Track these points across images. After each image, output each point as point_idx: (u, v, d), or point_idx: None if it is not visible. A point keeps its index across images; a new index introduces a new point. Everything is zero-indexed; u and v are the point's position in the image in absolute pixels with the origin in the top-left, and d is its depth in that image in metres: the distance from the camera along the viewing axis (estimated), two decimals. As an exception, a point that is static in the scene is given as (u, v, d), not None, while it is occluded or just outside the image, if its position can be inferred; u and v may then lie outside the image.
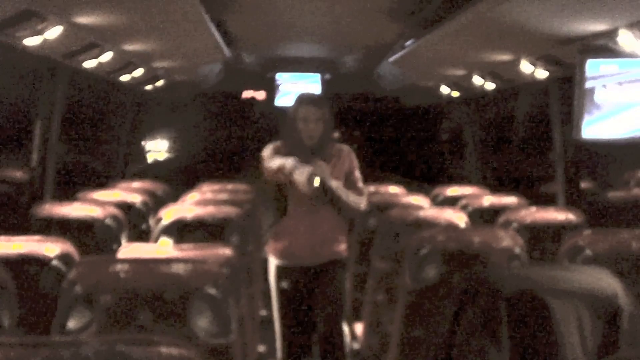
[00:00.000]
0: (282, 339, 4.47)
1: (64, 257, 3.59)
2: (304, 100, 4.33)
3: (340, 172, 4.34)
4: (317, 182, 4.08)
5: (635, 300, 2.61)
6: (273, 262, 4.44)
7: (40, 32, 4.29)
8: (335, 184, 4.24)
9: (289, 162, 4.13)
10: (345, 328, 4.52)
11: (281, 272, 4.40)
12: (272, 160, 4.23)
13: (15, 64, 5.49)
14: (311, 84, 10.44)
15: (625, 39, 3.91)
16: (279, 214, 4.39)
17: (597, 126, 4.23)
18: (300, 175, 4.07)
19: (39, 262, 3.55)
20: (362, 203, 4.39)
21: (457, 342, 2.54)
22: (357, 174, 4.44)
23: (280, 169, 4.15)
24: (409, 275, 3.76)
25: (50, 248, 3.59)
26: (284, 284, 4.39)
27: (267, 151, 4.33)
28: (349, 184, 4.37)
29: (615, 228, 3.91)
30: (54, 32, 4.39)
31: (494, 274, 2.65)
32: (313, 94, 4.55)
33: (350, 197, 4.31)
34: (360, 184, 4.43)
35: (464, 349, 2.51)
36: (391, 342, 3.92)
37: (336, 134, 11.99)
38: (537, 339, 2.44)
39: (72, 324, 2.84)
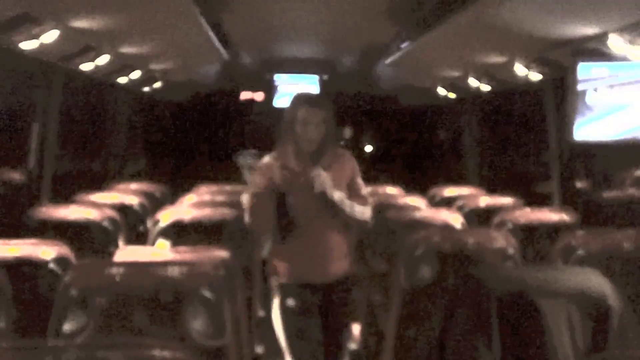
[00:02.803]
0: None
1: (60, 260, 3.60)
2: (303, 100, 3.80)
3: (342, 180, 3.83)
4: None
5: (625, 300, 2.63)
6: (276, 282, 3.85)
7: (36, 36, 4.31)
8: (339, 195, 3.76)
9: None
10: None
11: (287, 290, 3.81)
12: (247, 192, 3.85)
13: (12, 67, 5.51)
14: (309, 85, 10.47)
15: (615, 42, 3.94)
16: (280, 231, 3.84)
17: (589, 127, 4.27)
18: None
19: (36, 265, 3.56)
20: (367, 212, 3.88)
21: (450, 342, 2.56)
22: (360, 181, 3.93)
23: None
24: (404, 276, 3.78)
25: (46, 251, 3.60)
26: (291, 302, 3.81)
27: (257, 174, 3.87)
28: (352, 192, 3.85)
29: (608, 228, 3.93)
30: (50, 35, 4.41)
31: (486, 274, 2.67)
32: (312, 94, 4.10)
33: (356, 208, 3.81)
34: (364, 191, 3.93)
35: (456, 349, 2.54)
36: (386, 341, 3.94)
37: (349, 133, 11.95)
38: (528, 338, 2.46)
39: (67, 326, 2.85)
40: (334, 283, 3.81)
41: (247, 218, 3.81)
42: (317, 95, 4.05)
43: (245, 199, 3.86)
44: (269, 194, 3.74)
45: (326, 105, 3.80)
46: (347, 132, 12.05)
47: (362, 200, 3.85)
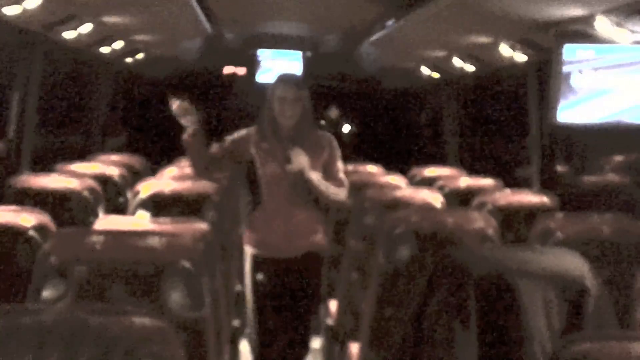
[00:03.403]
0: (255, 334, 4.18)
1: (40, 228, 3.59)
2: (281, 79, 4.03)
3: (319, 162, 4.02)
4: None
5: (602, 282, 2.65)
6: (249, 251, 4.14)
7: (19, 1, 4.25)
8: (315, 176, 3.95)
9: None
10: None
11: (257, 262, 4.10)
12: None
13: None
14: (292, 61, 10.42)
15: (602, 25, 3.95)
16: (253, 199, 4.24)
17: (573, 111, 4.28)
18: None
19: (15, 233, 3.54)
20: (342, 195, 4.07)
21: (426, 322, 2.58)
22: (339, 164, 4.11)
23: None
24: (383, 255, 3.78)
25: (26, 218, 3.58)
26: (260, 276, 4.09)
27: (232, 136, 4.12)
28: (329, 174, 4.05)
29: (587, 213, 3.96)
30: (33, 1, 4.36)
31: (464, 255, 2.68)
32: (292, 74, 4.26)
33: (331, 190, 4.01)
34: (341, 175, 4.10)
35: (433, 329, 2.55)
36: (363, 320, 3.96)
37: (335, 112, 11.90)
38: (505, 319, 2.48)
39: (46, 294, 2.83)
40: (300, 257, 4.04)
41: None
42: (293, 75, 4.23)
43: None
44: (223, 161, 4.07)
45: (301, 85, 4.00)
46: (334, 112, 11.98)
47: (338, 182, 4.04)
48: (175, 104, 3.96)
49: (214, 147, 4.08)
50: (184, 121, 3.97)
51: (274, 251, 4.07)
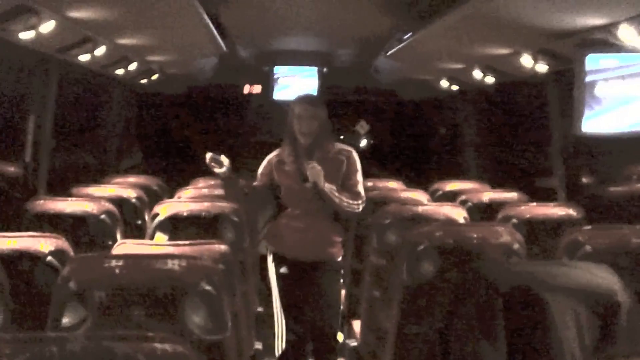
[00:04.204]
0: (282, 324, 4.48)
1: (58, 253, 3.57)
2: (300, 99, 4.45)
3: (335, 174, 4.34)
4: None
5: (634, 296, 2.59)
6: (271, 250, 4.51)
7: (34, 27, 4.25)
8: (329, 187, 4.23)
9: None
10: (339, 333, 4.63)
11: (279, 259, 4.45)
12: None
13: (8, 58, 5.45)
14: (308, 77, 10.36)
15: (625, 33, 3.88)
16: (274, 211, 4.53)
17: (597, 120, 4.20)
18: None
19: (33, 258, 3.52)
20: (357, 207, 4.34)
21: (453, 338, 2.52)
22: (357, 177, 4.41)
23: None
24: (406, 271, 3.73)
25: (44, 244, 3.56)
26: (283, 269, 4.43)
27: (259, 169, 4.54)
28: (346, 187, 4.35)
29: (615, 224, 3.89)
30: (48, 26, 4.35)
31: (491, 269, 2.63)
32: (309, 94, 4.71)
33: (344, 202, 4.28)
34: (358, 189, 4.38)
35: (460, 345, 2.50)
36: (388, 338, 3.90)
37: (366, 126, 11.77)
38: (534, 334, 2.42)
39: (66, 320, 2.82)
40: (315, 265, 4.39)
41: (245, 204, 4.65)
42: (312, 95, 4.76)
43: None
44: (264, 189, 4.46)
45: (318, 103, 4.42)
46: (364, 127, 11.85)
47: (354, 195, 4.34)
48: (208, 157, 4.29)
49: (258, 183, 4.50)
50: (217, 171, 4.32)
51: (291, 254, 4.42)
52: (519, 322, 2.43)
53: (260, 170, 4.52)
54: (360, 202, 4.34)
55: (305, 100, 4.43)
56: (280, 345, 4.50)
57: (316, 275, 4.40)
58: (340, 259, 4.50)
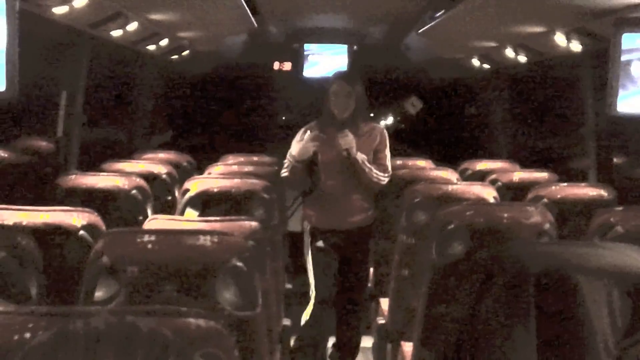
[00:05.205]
0: (314, 296, 4.74)
1: (90, 228, 3.60)
2: (336, 76, 4.77)
3: (368, 148, 4.67)
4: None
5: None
6: (307, 226, 4.81)
7: (67, 2, 4.26)
8: (361, 157, 4.57)
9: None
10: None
11: (314, 233, 4.77)
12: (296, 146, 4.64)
13: (41, 33, 5.47)
14: (338, 55, 10.30)
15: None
16: (311, 184, 4.77)
17: (632, 100, 4.14)
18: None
19: (66, 232, 3.56)
20: (384, 179, 4.71)
21: (482, 319, 2.50)
22: (386, 152, 4.76)
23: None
24: (435, 251, 3.72)
25: (77, 218, 3.59)
26: (320, 243, 4.74)
27: (297, 136, 4.69)
28: (376, 160, 4.70)
29: (647, 205, 3.85)
30: (81, 1, 4.36)
31: (521, 250, 2.60)
32: (346, 71, 5.22)
33: (374, 172, 4.63)
34: (386, 162, 4.74)
35: (489, 326, 2.48)
36: (416, 317, 3.89)
37: (417, 103, 11.55)
38: (565, 317, 2.40)
39: (98, 294, 2.84)
40: (354, 229, 4.76)
41: (284, 179, 4.78)
42: (348, 72, 5.23)
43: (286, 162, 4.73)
44: (304, 164, 4.64)
45: (354, 81, 4.68)
46: (416, 104, 11.53)
47: (382, 168, 4.70)
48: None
49: (294, 160, 4.66)
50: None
51: (329, 225, 4.75)
52: (550, 303, 2.40)
53: (297, 138, 4.69)
54: (387, 175, 4.73)
55: (343, 77, 4.73)
56: (308, 312, 4.75)
57: (354, 240, 4.77)
58: (371, 222, 4.87)
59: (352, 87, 4.62)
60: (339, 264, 4.79)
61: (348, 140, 4.52)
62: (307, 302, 4.77)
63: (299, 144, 4.60)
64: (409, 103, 11.53)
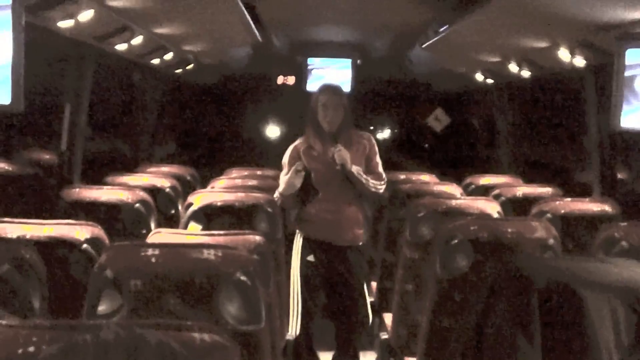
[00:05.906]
0: (298, 307, 4.73)
1: (93, 241, 3.60)
2: (324, 88, 4.73)
3: (360, 158, 4.67)
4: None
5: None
6: (300, 235, 4.79)
7: (72, 15, 4.28)
8: (356, 169, 4.58)
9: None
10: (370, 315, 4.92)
11: (306, 244, 4.74)
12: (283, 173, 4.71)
13: (46, 46, 5.49)
14: (342, 69, 10.31)
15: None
16: (303, 198, 4.72)
17: (636, 116, 4.14)
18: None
19: (69, 246, 3.55)
20: (381, 187, 4.72)
21: (487, 334, 2.50)
22: (377, 159, 4.76)
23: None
24: (440, 265, 3.72)
25: (80, 232, 3.59)
26: (310, 257, 4.72)
27: (284, 159, 4.75)
28: (369, 169, 4.70)
29: (652, 220, 3.84)
30: (86, 15, 4.38)
31: (526, 264, 2.60)
32: (332, 84, 4.88)
33: (370, 182, 4.64)
34: (380, 170, 4.75)
35: (494, 341, 2.47)
36: (420, 332, 3.88)
37: (443, 118, 11.23)
38: (570, 332, 2.39)
39: (102, 308, 2.83)
40: (347, 246, 4.71)
41: (277, 199, 4.69)
42: (336, 85, 4.86)
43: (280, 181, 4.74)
44: (294, 195, 4.64)
45: (341, 92, 4.71)
46: (441, 119, 10.56)
47: (377, 176, 4.70)
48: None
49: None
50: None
51: (322, 237, 4.71)
52: (555, 318, 2.40)
53: (285, 159, 4.75)
54: (383, 182, 4.75)
55: (331, 89, 4.71)
56: (295, 326, 4.72)
57: (346, 257, 4.72)
58: (362, 242, 4.83)
59: (340, 98, 4.65)
60: (327, 280, 4.78)
61: (342, 154, 4.53)
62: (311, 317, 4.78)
63: (285, 179, 4.63)
64: (433, 118, 10.72)
